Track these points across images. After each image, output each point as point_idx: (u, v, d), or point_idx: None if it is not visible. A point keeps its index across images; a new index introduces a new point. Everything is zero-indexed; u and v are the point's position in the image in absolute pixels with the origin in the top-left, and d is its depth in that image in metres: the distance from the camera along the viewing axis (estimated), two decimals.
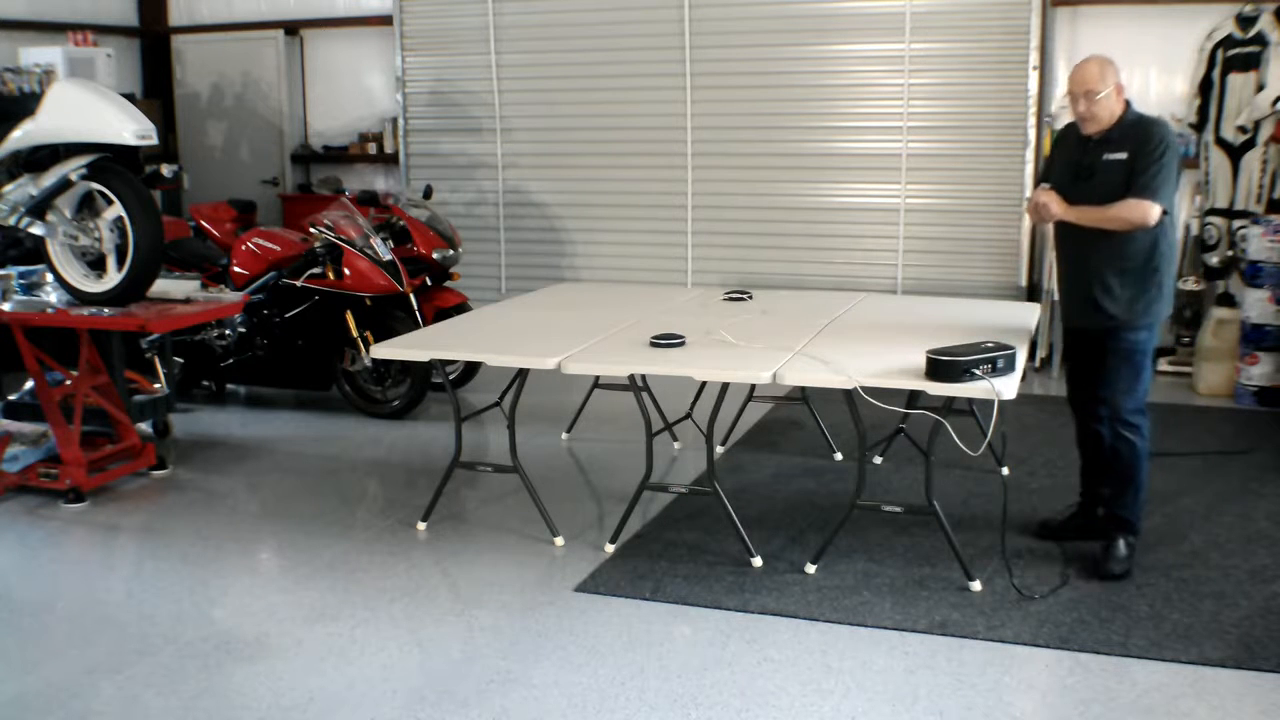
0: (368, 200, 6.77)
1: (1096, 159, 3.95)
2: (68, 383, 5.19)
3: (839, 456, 5.47)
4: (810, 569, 4.13)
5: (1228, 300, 6.85)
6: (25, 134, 4.84)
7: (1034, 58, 6.97)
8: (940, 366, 3.68)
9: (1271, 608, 3.79)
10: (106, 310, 4.94)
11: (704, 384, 5.18)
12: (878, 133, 7.42)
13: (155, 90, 9.30)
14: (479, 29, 8.19)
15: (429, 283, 6.48)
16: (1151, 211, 3.82)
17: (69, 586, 4.19)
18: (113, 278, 4.96)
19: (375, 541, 4.55)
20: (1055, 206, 3.96)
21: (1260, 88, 6.62)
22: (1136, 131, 3.90)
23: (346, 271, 6.11)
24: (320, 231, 6.22)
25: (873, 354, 4.07)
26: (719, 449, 5.54)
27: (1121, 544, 4.08)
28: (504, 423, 4.67)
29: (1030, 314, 4.89)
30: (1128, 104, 3.97)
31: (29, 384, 5.34)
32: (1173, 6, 6.90)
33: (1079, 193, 3.96)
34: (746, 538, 4.23)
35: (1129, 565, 4.05)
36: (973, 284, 7.28)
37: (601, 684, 3.37)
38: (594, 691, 3.32)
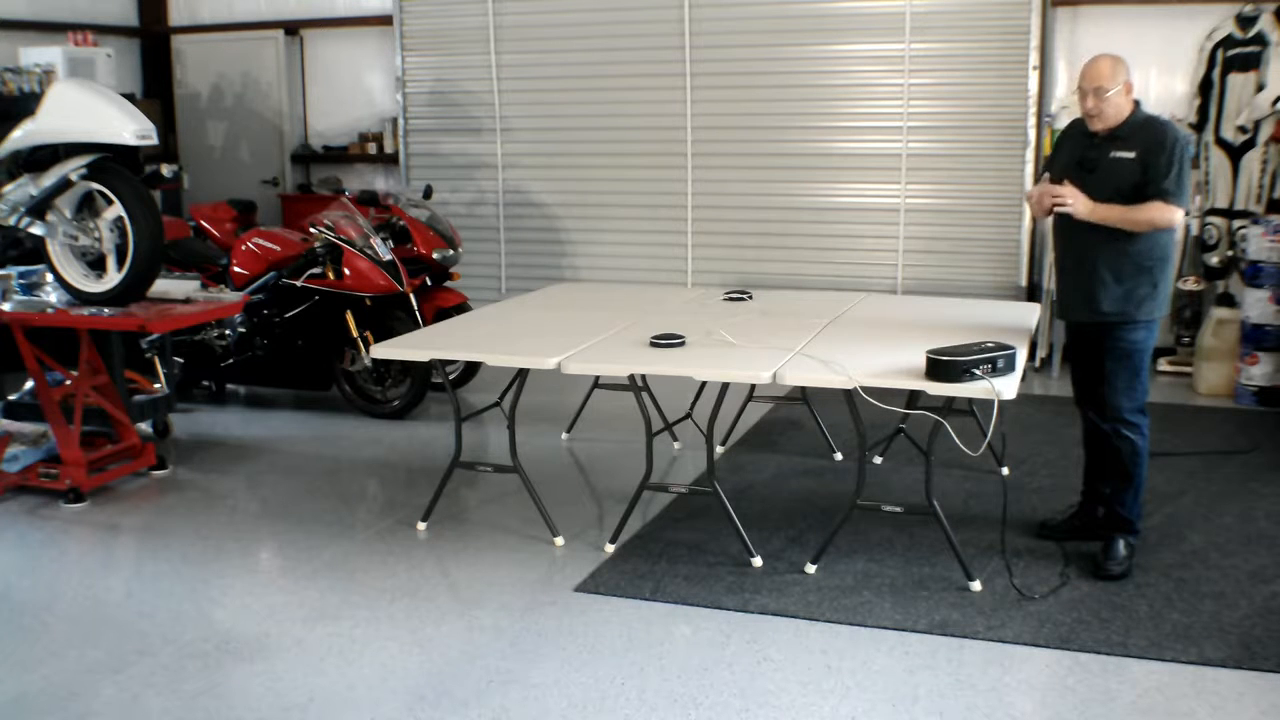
0: (368, 200, 6.77)
1: (1103, 155, 3.95)
2: (68, 383, 5.20)
3: (839, 456, 5.47)
4: (810, 569, 4.13)
5: (1228, 300, 6.85)
6: (25, 134, 4.84)
7: (1034, 58, 6.97)
8: (940, 366, 3.68)
9: (1271, 608, 3.79)
10: (106, 310, 4.94)
11: (704, 384, 5.18)
12: (878, 133, 7.42)
13: (155, 90, 9.30)
14: (479, 29, 8.19)
15: (429, 283, 6.48)
16: (1177, 215, 3.85)
17: (69, 586, 4.19)
18: (113, 278, 4.96)
19: (375, 541, 4.56)
20: (1081, 205, 3.91)
21: (1260, 88, 6.63)
22: (1147, 132, 3.90)
23: (346, 271, 6.11)
24: (320, 231, 6.22)
25: (873, 354, 4.07)
26: (719, 449, 5.54)
27: (1121, 544, 4.08)
28: (504, 423, 4.67)
29: (1030, 314, 4.89)
30: (1137, 103, 3.97)
31: (29, 384, 5.34)
32: (1173, 6, 6.91)
33: (1082, 187, 3.95)
34: (746, 538, 4.23)
35: (1128, 565, 4.05)
36: (973, 284, 7.28)
37: (601, 684, 3.37)
38: (594, 691, 3.32)
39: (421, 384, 6.27)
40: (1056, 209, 3.97)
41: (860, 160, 7.50)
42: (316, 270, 6.22)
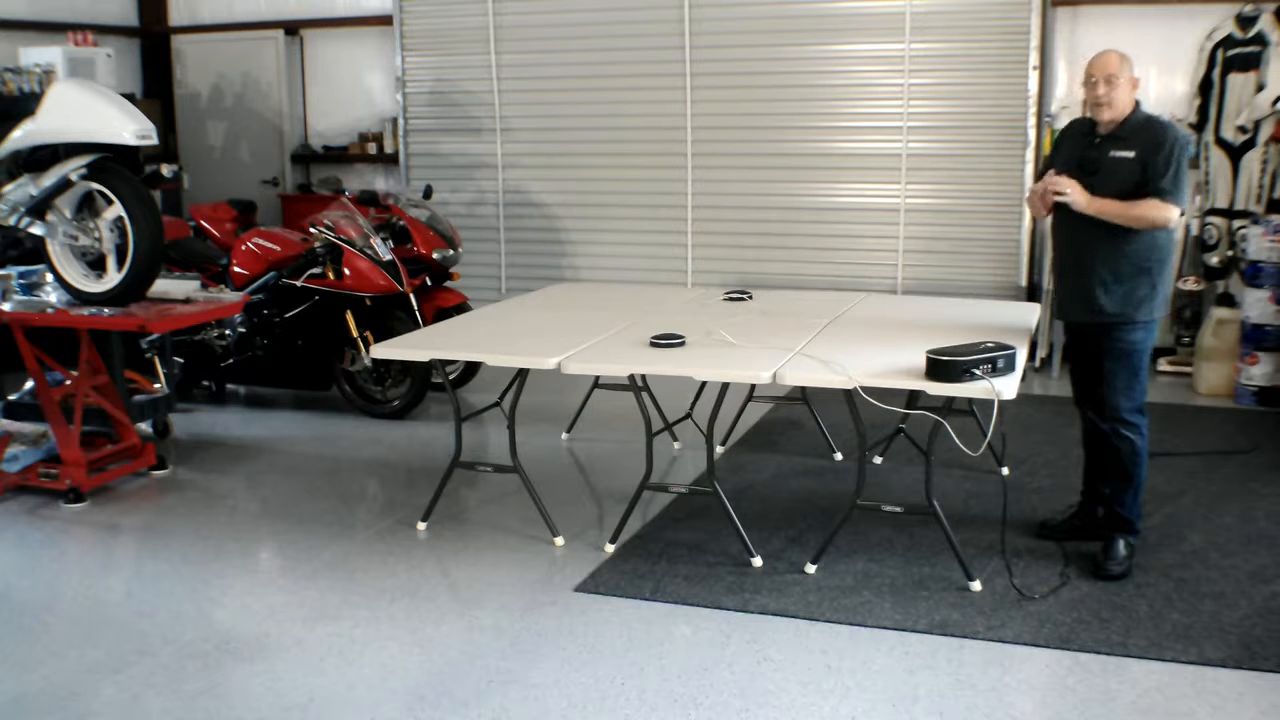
0: (368, 200, 6.77)
1: (1103, 155, 3.95)
2: (68, 383, 5.20)
3: (839, 456, 5.47)
4: (810, 569, 4.13)
5: (1228, 300, 6.85)
6: (25, 134, 4.84)
7: (1034, 58, 6.97)
8: (940, 366, 3.68)
9: (1271, 608, 3.79)
10: (106, 310, 4.94)
11: (704, 384, 5.18)
12: (878, 133, 7.42)
13: (155, 90, 9.30)
14: (479, 29, 8.19)
15: (429, 283, 6.48)
16: (1173, 214, 3.85)
17: (69, 586, 4.19)
18: (113, 278, 4.96)
19: (375, 541, 4.56)
20: (1079, 196, 3.91)
21: (1260, 88, 6.63)
22: (1146, 132, 3.90)
23: (346, 271, 6.11)
24: (320, 231, 6.22)
25: (873, 354, 4.07)
26: (719, 449, 5.54)
27: (1121, 544, 4.08)
28: (504, 423, 4.67)
29: (1030, 314, 4.89)
30: (1137, 103, 3.97)
31: (29, 384, 5.34)
32: (1173, 6, 6.91)
33: (1083, 185, 3.95)
34: (746, 538, 4.23)
35: (1128, 565, 4.05)
36: (973, 284, 7.28)
37: (601, 684, 3.37)
38: (594, 691, 3.32)
39: (421, 384, 6.27)
40: (1055, 199, 3.97)
41: (860, 160, 7.50)
42: (316, 270, 6.22)
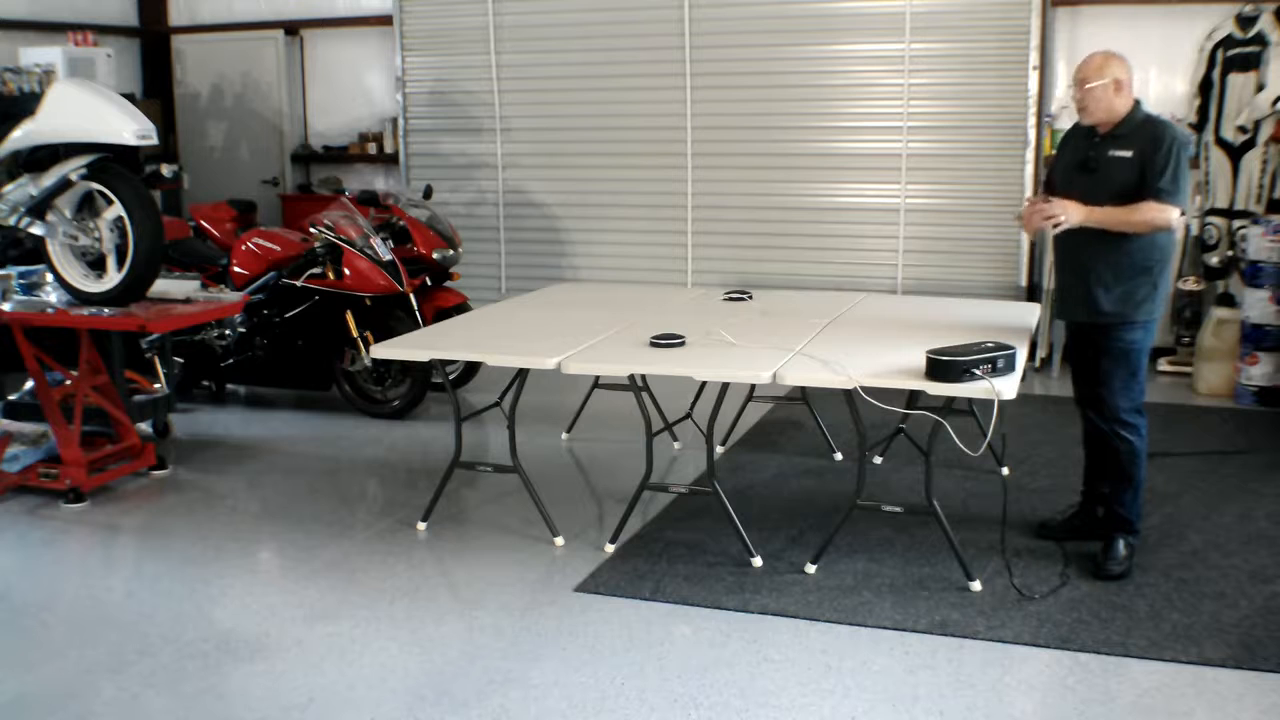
0: (368, 200, 6.77)
1: (1102, 154, 3.95)
2: (68, 383, 5.20)
3: (839, 456, 5.47)
4: (810, 569, 4.13)
5: (1228, 300, 6.86)
6: (25, 134, 4.84)
7: (1034, 58, 6.97)
8: (940, 366, 3.68)
9: (1271, 608, 3.79)
10: (106, 310, 4.94)
11: (704, 384, 5.18)
12: (878, 133, 7.42)
13: (155, 90, 9.30)
14: (479, 29, 8.19)
15: (429, 283, 6.47)
16: (1173, 215, 3.84)
17: (69, 586, 4.19)
18: (113, 278, 4.96)
19: (375, 541, 4.56)
20: (1075, 214, 3.87)
21: (1260, 88, 6.63)
22: (1145, 131, 3.89)
23: (346, 271, 6.11)
24: (320, 231, 6.22)
25: (872, 354, 4.07)
26: (719, 449, 5.54)
27: (1121, 544, 4.08)
28: (504, 423, 4.67)
29: (1030, 314, 4.89)
30: (1137, 103, 3.96)
31: (29, 384, 5.34)
32: (1173, 6, 6.91)
33: (1083, 186, 3.95)
34: (746, 538, 4.23)
35: (1128, 565, 4.05)
36: (973, 284, 7.28)
37: (601, 684, 3.37)
38: (594, 691, 3.32)
39: (421, 384, 6.27)
40: (1054, 230, 3.94)
41: (860, 160, 7.50)
42: (316, 270, 6.22)
